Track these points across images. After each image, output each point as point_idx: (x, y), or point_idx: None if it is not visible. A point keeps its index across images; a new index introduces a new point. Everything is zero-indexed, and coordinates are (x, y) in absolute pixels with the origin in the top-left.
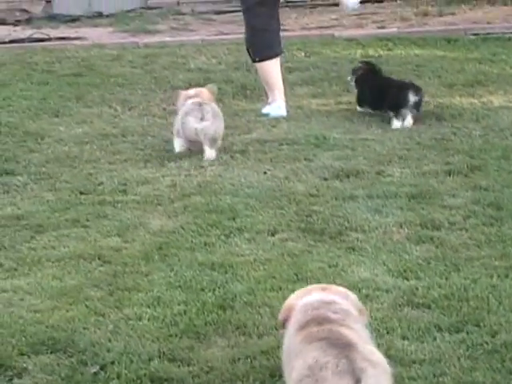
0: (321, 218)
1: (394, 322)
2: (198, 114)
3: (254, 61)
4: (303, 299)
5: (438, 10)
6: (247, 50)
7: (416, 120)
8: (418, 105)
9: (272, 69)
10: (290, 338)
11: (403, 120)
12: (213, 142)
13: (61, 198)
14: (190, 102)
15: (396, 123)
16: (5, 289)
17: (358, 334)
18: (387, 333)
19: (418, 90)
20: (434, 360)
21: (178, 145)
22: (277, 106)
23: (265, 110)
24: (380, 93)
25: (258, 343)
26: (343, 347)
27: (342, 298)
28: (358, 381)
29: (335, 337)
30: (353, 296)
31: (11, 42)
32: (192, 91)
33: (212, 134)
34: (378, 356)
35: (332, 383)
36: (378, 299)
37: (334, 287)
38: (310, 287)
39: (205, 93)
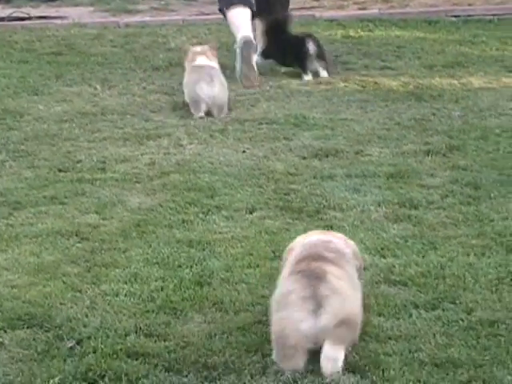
0: (299, 196)
1: (371, 299)
2: (206, 82)
3: (221, 10)
4: (304, 240)
5: None
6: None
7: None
8: (321, 55)
9: (235, 18)
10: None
11: (313, 73)
12: (220, 109)
13: (39, 175)
14: (197, 64)
15: (305, 77)
16: None
17: (348, 274)
18: (364, 310)
19: (315, 40)
20: (409, 336)
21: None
22: None
23: None
24: (284, 48)
25: (235, 319)
26: (313, 278)
27: (339, 240)
28: (319, 305)
29: (312, 270)
30: (351, 242)
31: None
32: (198, 48)
33: (220, 103)
34: (347, 291)
35: (296, 306)
36: None
37: (333, 232)
38: (311, 232)
39: (210, 50)
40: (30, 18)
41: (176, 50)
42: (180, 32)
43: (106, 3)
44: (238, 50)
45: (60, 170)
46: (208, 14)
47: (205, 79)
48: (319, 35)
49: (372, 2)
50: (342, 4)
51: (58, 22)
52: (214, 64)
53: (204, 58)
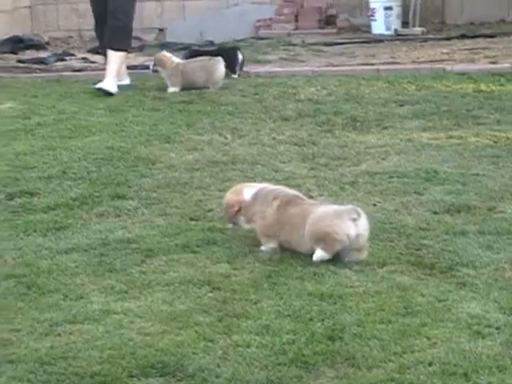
0: (431, 252)
1: (506, 361)
2: None
3: (119, 49)
4: None
5: None
6: (112, 37)
7: None
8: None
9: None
10: None
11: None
12: None
13: (171, 223)
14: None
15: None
16: (116, 311)
17: None
18: (499, 371)
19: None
20: None
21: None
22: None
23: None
24: None
25: (367, 375)
26: None
27: None
28: None
29: None
30: None
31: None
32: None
33: None
34: None
35: None
36: (489, 336)
37: None
38: None
39: None
40: None
41: (305, 102)
42: (309, 83)
43: None
44: None
45: (191, 219)
46: (337, 66)
47: None
48: (450, 89)
49: (503, 57)
50: (473, 58)
51: None
52: None
53: None
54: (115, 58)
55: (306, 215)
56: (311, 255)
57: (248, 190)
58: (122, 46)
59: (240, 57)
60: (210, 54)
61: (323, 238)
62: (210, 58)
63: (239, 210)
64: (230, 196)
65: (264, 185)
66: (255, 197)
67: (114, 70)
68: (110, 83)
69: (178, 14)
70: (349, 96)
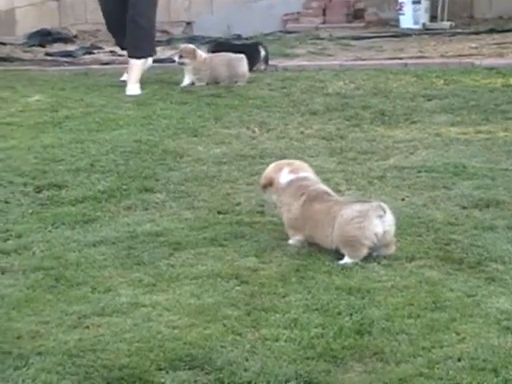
0: (460, 247)
1: None
2: None
3: (143, 57)
4: None
5: None
6: (136, 46)
7: None
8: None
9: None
10: None
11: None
12: None
13: (199, 216)
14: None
15: None
16: (144, 304)
17: None
18: None
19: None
20: None
21: None
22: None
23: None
24: None
25: (396, 370)
26: None
27: None
28: None
29: None
30: None
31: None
32: None
33: None
34: None
35: None
36: None
37: None
38: None
39: None
40: None
41: (333, 95)
42: (337, 77)
43: None
44: None
45: (219, 212)
46: (365, 60)
47: None
48: (478, 83)
49: None
50: (502, 52)
51: None
52: None
53: None
54: (138, 66)
55: (329, 213)
56: (336, 251)
57: (286, 174)
58: (146, 54)
59: (263, 52)
60: (232, 49)
61: (351, 243)
62: (233, 55)
63: (270, 185)
64: (269, 169)
65: (304, 174)
66: (288, 185)
67: (137, 77)
68: (134, 88)
69: (205, 7)
70: (377, 90)
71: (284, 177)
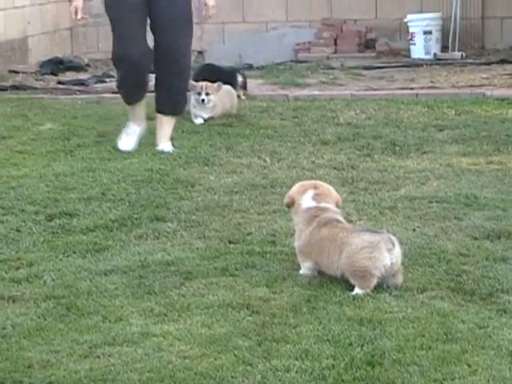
0: (471, 278)
1: None
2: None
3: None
4: None
5: None
6: (180, 101)
7: None
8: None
9: None
10: None
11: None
12: None
13: (210, 246)
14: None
15: None
16: (155, 333)
17: None
18: None
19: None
20: None
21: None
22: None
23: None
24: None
25: None
26: None
27: None
28: None
29: None
30: None
31: None
32: None
33: None
34: None
35: None
36: None
37: None
38: None
39: None
40: None
41: (344, 125)
42: (348, 107)
43: (275, 76)
44: None
45: (230, 242)
46: (376, 89)
47: None
48: (489, 113)
49: None
50: None
51: None
52: None
53: None
54: (173, 123)
55: (335, 239)
56: (341, 277)
57: (309, 199)
58: (183, 110)
59: (240, 79)
60: (211, 76)
61: (362, 273)
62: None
63: (292, 205)
64: (294, 189)
65: (325, 205)
66: (307, 211)
67: (171, 132)
68: (169, 145)
69: (217, 36)
70: (388, 120)
71: (306, 201)
